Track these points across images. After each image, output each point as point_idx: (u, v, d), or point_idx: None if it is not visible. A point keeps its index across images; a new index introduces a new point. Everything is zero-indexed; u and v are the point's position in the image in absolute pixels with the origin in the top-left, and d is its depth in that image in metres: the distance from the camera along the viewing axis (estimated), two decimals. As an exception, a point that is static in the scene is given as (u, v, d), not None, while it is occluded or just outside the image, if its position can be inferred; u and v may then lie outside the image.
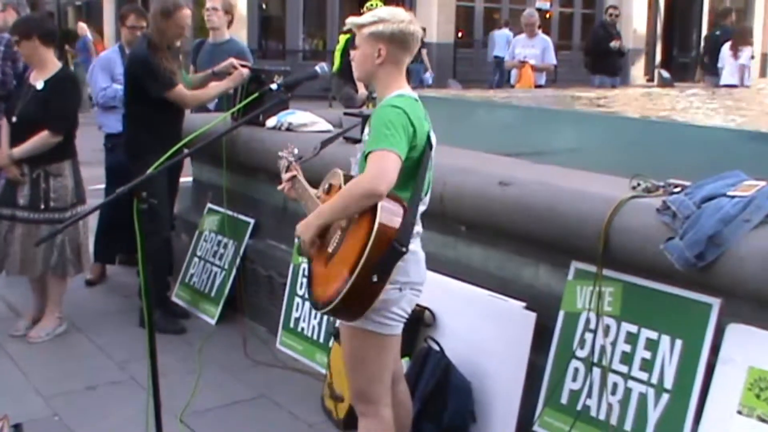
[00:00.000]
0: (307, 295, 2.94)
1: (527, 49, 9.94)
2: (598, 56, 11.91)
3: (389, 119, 2.73)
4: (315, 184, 3.13)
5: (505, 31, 20.11)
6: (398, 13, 2.91)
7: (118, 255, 6.25)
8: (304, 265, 4.51)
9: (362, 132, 3.10)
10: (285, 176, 3.24)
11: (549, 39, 10.38)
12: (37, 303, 5.16)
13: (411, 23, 2.90)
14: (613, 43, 11.70)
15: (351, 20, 2.98)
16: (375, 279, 2.64)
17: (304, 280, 4.63)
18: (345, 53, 8.47)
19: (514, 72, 10.04)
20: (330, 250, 2.78)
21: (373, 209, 2.66)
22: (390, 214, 2.68)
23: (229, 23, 6.47)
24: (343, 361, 3.09)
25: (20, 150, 4.85)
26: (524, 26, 10.12)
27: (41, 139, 4.83)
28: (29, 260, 4.89)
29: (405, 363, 3.60)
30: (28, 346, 4.86)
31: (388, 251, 2.64)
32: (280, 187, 3.26)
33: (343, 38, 8.99)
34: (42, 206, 4.86)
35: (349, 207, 2.71)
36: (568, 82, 17.46)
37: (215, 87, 5.27)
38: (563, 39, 25.18)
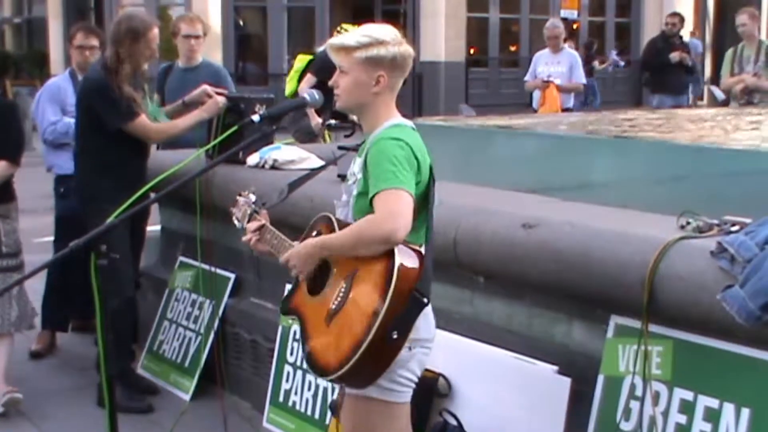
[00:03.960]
0: (305, 362, 2.94)
1: (551, 66, 10.00)
2: (657, 72, 12.04)
3: (393, 154, 2.78)
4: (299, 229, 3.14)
5: None
6: (391, 31, 2.98)
7: (71, 321, 6.24)
8: (296, 327, 4.51)
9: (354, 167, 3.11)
10: (250, 226, 3.28)
11: (577, 54, 10.46)
12: None
13: (405, 43, 3.00)
14: (673, 55, 11.81)
15: (337, 41, 2.98)
16: (395, 336, 2.67)
17: (296, 345, 4.62)
18: (301, 78, 8.44)
19: (536, 94, 10.10)
20: (332, 306, 2.80)
21: (387, 256, 2.69)
22: (408, 261, 2.72)
23: None
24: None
25: None
26: (547, 39, 10.20)
27: None
28: None
29: (416, 442, 3.58)
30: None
31: (409, 302, 2.68)
32: (245, 239, 3.31)
33: (302, 59, 8.83)
34: None
35: (359, 248, 2.76)
36: (600, 103, 17.62)
37: (185, 119, 5.31)
38: (594, 53, 25.36)
